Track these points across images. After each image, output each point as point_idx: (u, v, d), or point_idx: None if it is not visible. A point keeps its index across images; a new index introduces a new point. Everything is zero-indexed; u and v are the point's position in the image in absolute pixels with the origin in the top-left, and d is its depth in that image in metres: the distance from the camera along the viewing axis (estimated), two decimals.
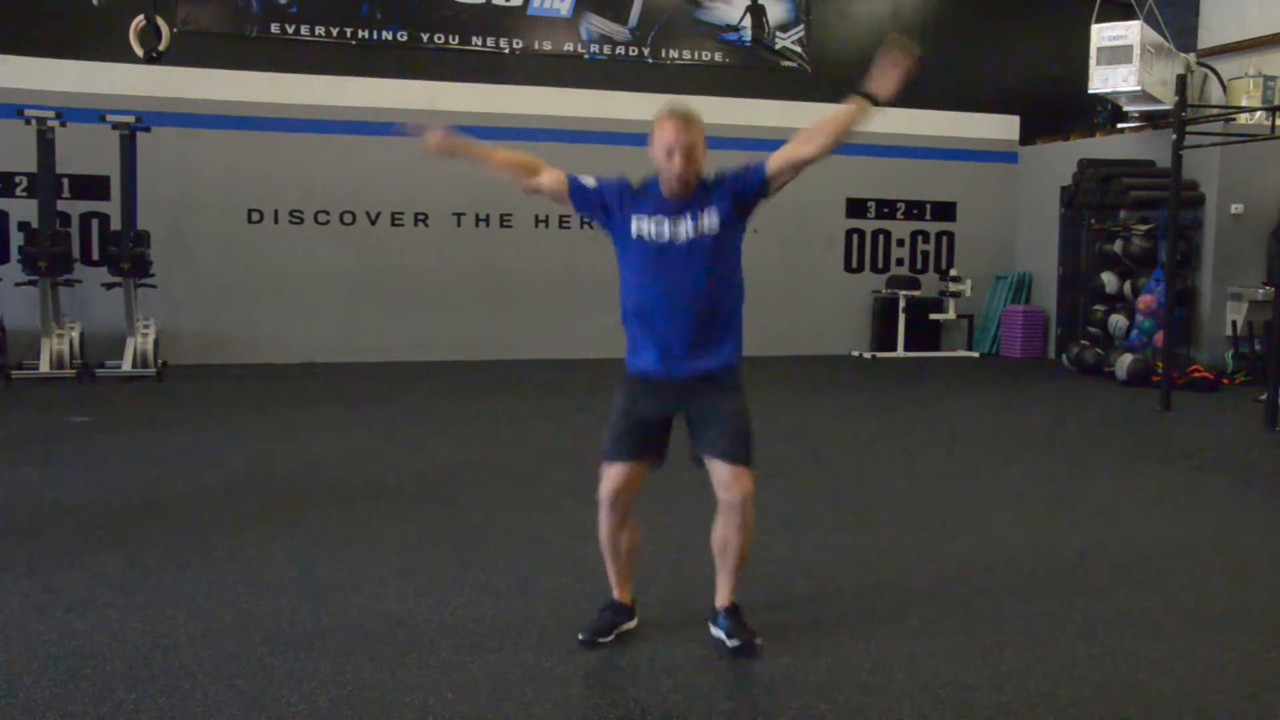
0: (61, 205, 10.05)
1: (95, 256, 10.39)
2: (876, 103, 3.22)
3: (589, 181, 3.50)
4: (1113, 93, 11.01)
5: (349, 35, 11.41)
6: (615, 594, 3.59)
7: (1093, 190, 11.25)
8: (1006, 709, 3.09)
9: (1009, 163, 13.32)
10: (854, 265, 12.96)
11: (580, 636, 3.51)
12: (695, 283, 3.32)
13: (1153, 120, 11.53)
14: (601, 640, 3.49)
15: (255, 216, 11.03)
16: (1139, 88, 10.58)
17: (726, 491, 3.33)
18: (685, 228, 3.33)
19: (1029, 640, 3.61)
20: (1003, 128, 13.28)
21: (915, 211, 13.10)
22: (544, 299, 11.61)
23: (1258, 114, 10.64)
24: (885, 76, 3.22)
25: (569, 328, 11.57)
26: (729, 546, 3.43)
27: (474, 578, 4.20)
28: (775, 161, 3.34)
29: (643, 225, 3.36)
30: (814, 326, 12.53)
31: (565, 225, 11.81)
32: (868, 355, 12.54)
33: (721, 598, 3.53)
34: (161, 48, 10.56)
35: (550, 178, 3.53)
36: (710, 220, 3.33)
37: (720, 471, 3.34)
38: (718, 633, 3.51)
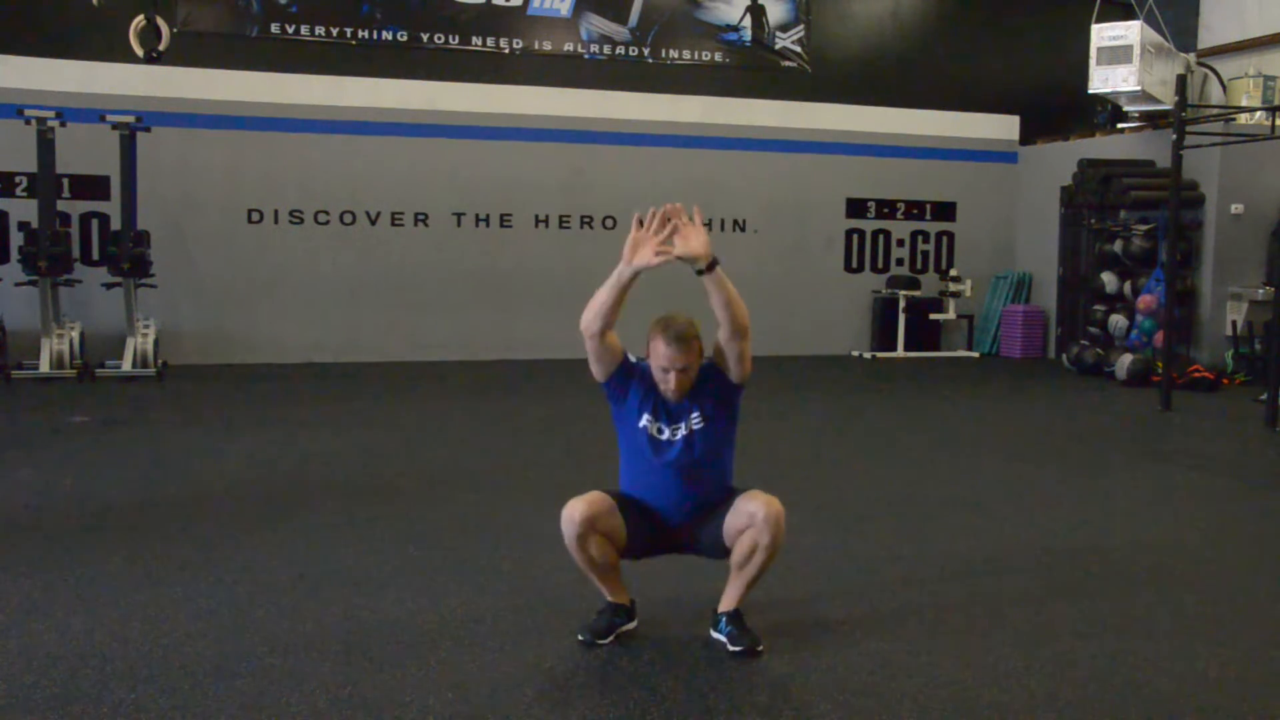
0: (61, 205, 10.05)
1: (95, 256, 10.40)
2: (713, 264, 3.31)
3: (633, 359, 3.54)
4: (1113, 93, 11.00)
5: (349, 35, 11.41)
6: (609, 598, 3.58)
7: (1093, 190, 11.26)
8: (1006, 709, 3.09)
9: (1009, 163, 13.31)
10: (854, 265, 12.95)
11: (580, 637, 3.51)
12: (690, 478, 3.48)
13: (1153, 120, 11.53)
14: (601, 641, 3.49)
15: (255, 216, 11.03)
16: (1139, 88, 10.57)
17: (763, 508, 3.33)
18: (680, 430, 3.47)
19: (1029, 640, 3.61)
20: (1003, 128, 13.28)
21: (915, 211, 13.10)
22: (544, 299, 11.60)
23: (1258, 114, 10.64)
24: (690, 243, 3.28)
25: (569, 328, 11.39)
26: (751, 561, 3.40)
27: (474, 578, 4.20)
28: (716, 354, 3.48)
29: (649, 422, 3.48)
30: (814, 326, 12.53)
31: (565, 225, 11.81)
32: (868, 355, 12.54)
33: (726, 604, 3.51)
34: (161, 48, 10.54)
35: (615, 340, 3.48)
36: (697, 421, 3.47)
37: (748, 502, 3.38)
38: (719, 637, 3.50)
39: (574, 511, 3.38)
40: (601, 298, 3.37)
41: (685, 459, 3.46)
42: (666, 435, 3.48)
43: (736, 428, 3.59)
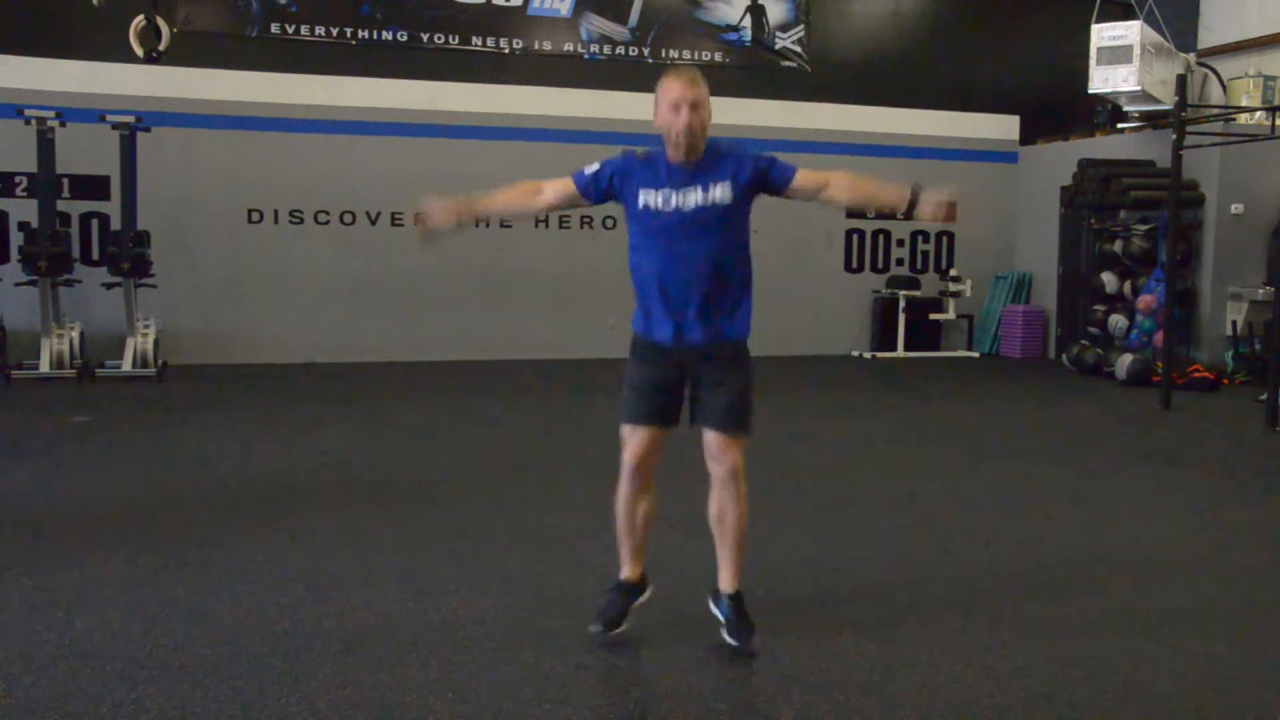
0: (61, 205, 10.05)
1: (95, 256, 10.40)
2: (911, 210, 3.33)
3: (592, 169, 3.50)
4: (1113, 93, 11.01)
5: (349, 35, 11.41)
6: (625, 572, 3.56)
7: (1093, 190, 11.25)
8: (1006, 709, 3.09)
9: (1009, 163, 13.32)
10: (854, 265, 12.96)
11: (592, 629, 3.48)
12: (703, 252, 3.35)
13: (1153, 120, 11.53)
14: (615, 630, 3.47)
15: (255, 216, 11.03)
16: (1139, 88, 10.58)
17: (717, 464, 3.40)
18: (695, 197, 3.35)
19: (1029, 640, 3.62)
20: (1003, 128, 13.28)
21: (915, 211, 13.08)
22: (544, 299, 11.61)
23: (1258, 114, 10.64)
24: (933, 208, 3.33)
25: (569, 328, 11.57)
26: (725, 519, 3.46)
27: (474, 578, 4.20)
28: (807, 179, 3.41)
29: (649, 197, 3.38)
30: (814, 326, 12.53)
31: (565, 225, 11.81)
32: (868, 355, 12.55)
33: (725, 581, 3.52)
34: (161, 48, 10.56)
35: (554, 188, 3.51)
36: (722, 191, 3.35)
37: (712, 443, 3.40)
38: (717, 613, 3.52)
39: (633, 458, 3.41)
40: (509, 215, 3.58)
41: (700, 231, 3.33)
42: (675, 202, 3.35)
43: (749, 227, 3.47)
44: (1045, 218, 12.52)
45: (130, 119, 9.70)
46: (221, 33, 11.11)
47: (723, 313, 3.40)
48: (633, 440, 3.43)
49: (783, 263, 12.22)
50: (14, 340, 9.80)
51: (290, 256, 11.10)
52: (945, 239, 13.21)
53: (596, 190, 3.48)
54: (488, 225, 11.61)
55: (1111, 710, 3.10)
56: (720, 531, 3.49)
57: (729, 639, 3.44)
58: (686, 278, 3.36)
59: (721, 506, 3.45)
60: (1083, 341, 11.31)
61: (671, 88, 3.31)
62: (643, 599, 3.58)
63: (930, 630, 3.70)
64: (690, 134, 3.30)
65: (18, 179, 10.31)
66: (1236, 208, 10.61)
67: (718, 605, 3.53)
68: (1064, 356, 11.62)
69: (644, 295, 3.44)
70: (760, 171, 3.39)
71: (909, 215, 3.37)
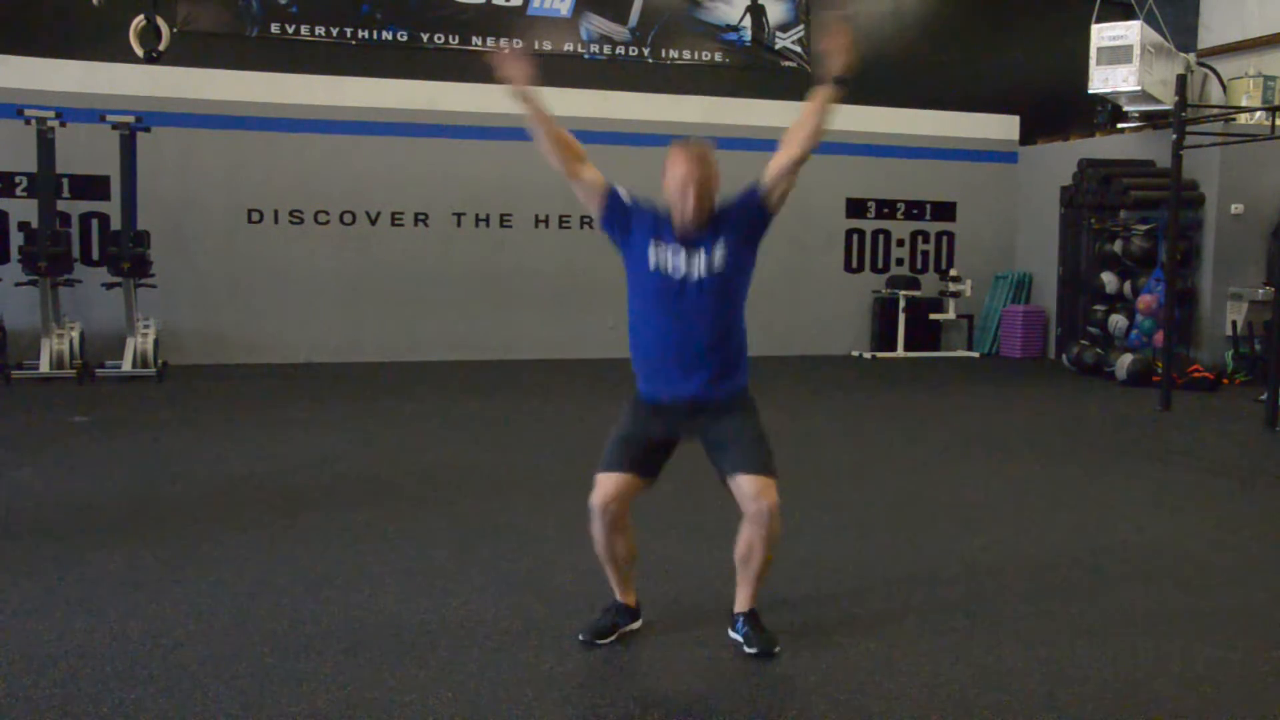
0: (61, 205, 10.05)
1: (95, 256, 10.39)
2: (844, 82, 3.31)
3: (625, 196, 3.47)
4: (1113, 93, 11.01)
5: (349, 35, 11.41)
6: (618, 596, 3.59)
7: (1093, 190, 11.26)
8: (1006, 709, 3.09)
9: (1009, 163, 13.31)
10: (854, 265, 12.95)
11: (580, 637, 3.51)
12: (705, 322, 3.36)
13: (1153, 120, 11.53)
14: (601, 642, 3.49)
15: (255, 216, 11.03)
16: (1139, 88, 10.58)
17: (754, 503, 3.31)
18: (698, 265, 3.35)
19: (1029, 640, 3.62)
20: (1003, 128, 13.28)
21: (915, 211, 13.10)
22: (544, 299, 11.61)
23: (1258, 114, 10.64)
24: (839, 55, 3.32)
25: (569, 328, 11.57)
26: (753, 557, 3.42)
27: (474, 578, 4.20)
28: (769, 174, 3.39)
29: (660, 255, 3.37)
30: (814, 326, 12.53)
31: (565, 225, 11.81)
32: (868, 355, 12.54)
33: (741, 604, 3.52)
34: (161, 48, 10.55)
35: (592, 173, 3.48)
36: (719, 256, 3.35)
37: (745, 485, 3.32)
38: (736, 637, 3.51)
39: (600, 502, 3.37)
40: (542, 146, 3.48)
41: (702, 302, 3.33)
42: (682, 266, 3.34)
43: (750, 278, 3.46)
44: (1045, 218, 12.52)
45: (130, 119, 9.69)
46: (221, 33, 11.10)
47: (722, 375, 3.40)
48: (600, 484, 3.39)
49: (783, 263, 12.22)
50: (14, 340, 9.80)
51: (290, 256, 11.10)
52: (945, 239, 13.21)
53: (613, 212, 3.45)
54: (488, 224, 11.63)
55: (1112, 711, 3.10)
56: (744, 568, 3.47)
57: (748, 649, 3.44)
58: (687, 346, 3.36)
59: (752, 545, 3.39)
60: (1083, 341, 11.32)
61: (678, 168, 3.31)
62: (633, 626, 3.59)
63: (930, 630, 3.70)
64: (696, 217, 3.31)
65: (18, 179, 10.31)
66: (1236, 208, 10.61)
67: (734, 628, 3.52)
68: (1064, 356, 11.62)
69: (643, 358, 3.45)
70: (740, 213, 3.39)
71: (846, 81, 3.31)
